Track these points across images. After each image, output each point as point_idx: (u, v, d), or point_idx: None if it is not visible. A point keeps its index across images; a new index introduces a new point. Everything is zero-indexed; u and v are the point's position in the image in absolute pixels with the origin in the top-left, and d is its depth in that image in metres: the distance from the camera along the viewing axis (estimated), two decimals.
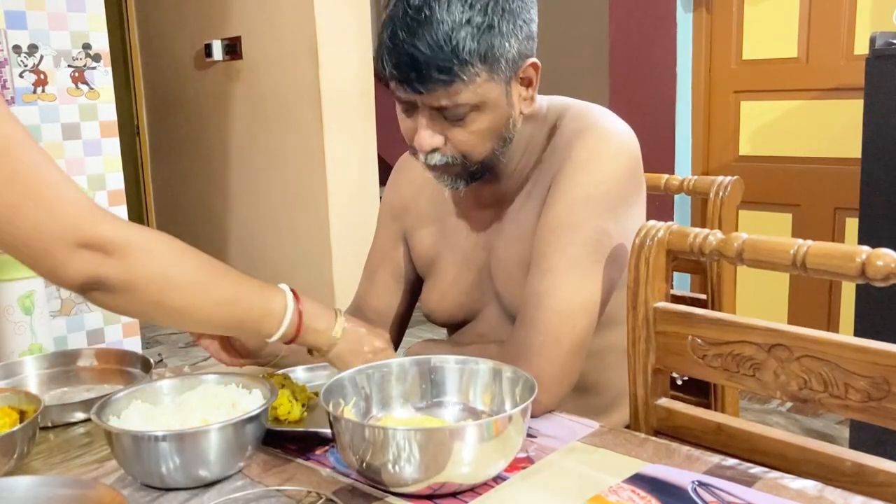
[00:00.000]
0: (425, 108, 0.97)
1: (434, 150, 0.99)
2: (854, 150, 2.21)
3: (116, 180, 3.04)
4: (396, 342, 1.26)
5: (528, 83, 1.01)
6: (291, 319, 0.91)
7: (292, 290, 0.94)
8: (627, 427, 1.04)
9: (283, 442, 0.92)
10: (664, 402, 0.98)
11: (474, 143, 0.99)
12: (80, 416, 1.01)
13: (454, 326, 1.19)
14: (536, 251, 1.01)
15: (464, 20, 0.91)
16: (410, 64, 0.91)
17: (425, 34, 0.91)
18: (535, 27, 0.99)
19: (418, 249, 1.20)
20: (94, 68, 2.93)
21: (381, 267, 1.25)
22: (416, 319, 1.29)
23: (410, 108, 0.99)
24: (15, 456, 0.84)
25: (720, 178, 1.24)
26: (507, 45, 0.94)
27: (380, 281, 1.25)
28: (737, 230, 0.97)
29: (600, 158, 1.01)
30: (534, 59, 1.00)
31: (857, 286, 2.07)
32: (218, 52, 3.85)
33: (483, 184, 1.09)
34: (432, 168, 1.02)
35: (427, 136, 0.97)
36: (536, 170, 1.07)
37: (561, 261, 0.99)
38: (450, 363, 0.93)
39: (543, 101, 1.09)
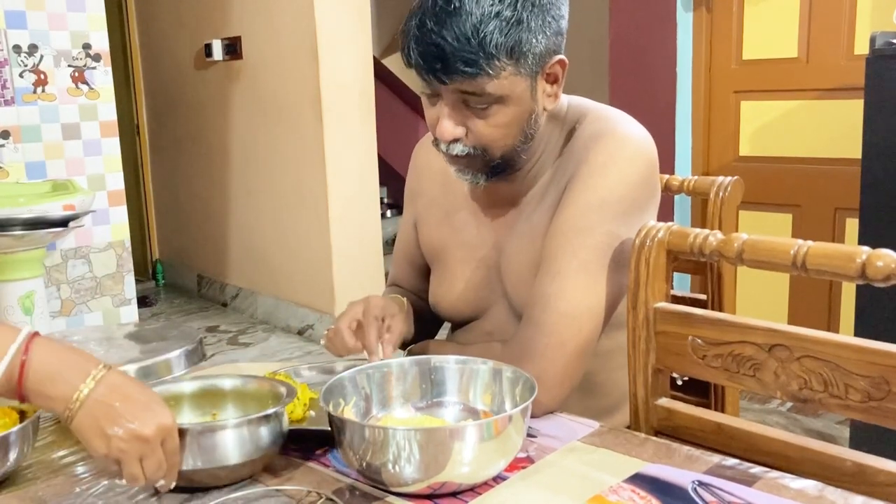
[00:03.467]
0: (449, 98, 0.97)
1: (455, 141, 0.99)
2: (854, 150, 2.21)
3: (116, 180, 3.05)
4: (439, 324, 1.28)
5: (553, 80, 1.01)
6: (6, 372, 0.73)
7: (33, 336, 0.76)
8: (628, 427, 1.04)
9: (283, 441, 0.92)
10: (664, 402, 0.98)
11: (496, 137, 0.99)
12: None
13: (460, 322, 1.20)
14: (547, 253, 1.01)
15: (493, 13, 0.91)
16: (436, 54, 0.92)
17: (453, 25, 0.91)
18: (564, 24, 0.99)
19: (425, 236, 1.21)
20: (94, 68, 2.94)
21: (402, 251, 1.28)
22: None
23: (435, 97, 0.99)
24: (14, 457, 0.84)
25: (720, 178, 1.24)
26: (534, 40, 0.94)
27: (402, 265, 1.28)
28: (737, 230, 0.97)
29: (617, 163, 1.00)
30: (561, 56, 1.00)
31: (857, 286, 2.07)
32: (218, 52, 3.85)
33: (498, 181, 1.09)
34: (454, 159, 1.02)
35: (449, 127, 0.98)
36: (553, 172, 1.07)
37: (571, 264, 0.99)
38: (450, 363, 0.93)
39: (564, 101, 1.09)
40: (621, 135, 1.03)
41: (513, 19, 0.92)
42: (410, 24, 0.95)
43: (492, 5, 0.91)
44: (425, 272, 1.25)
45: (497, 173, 1.04)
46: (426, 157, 1.23)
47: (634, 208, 1.01)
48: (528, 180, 1.09)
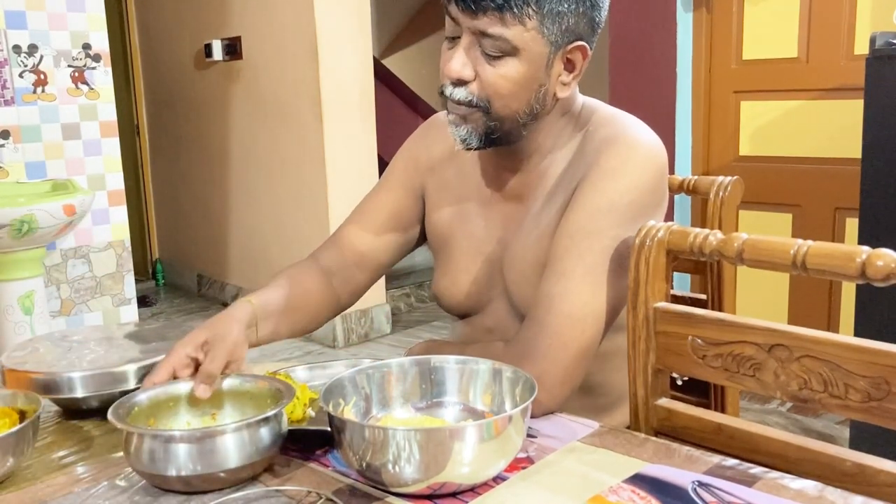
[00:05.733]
0: (467, 37, 0.98)
1: (461, 84, 1.00)
2: (854, 150, 2.21)
3: (116, 180, 3.04)
4: (367, 285, 1.24)
5: (571, 67, 1.02)
6: None
7: None
8: (628, 427, 1.04)
9: (283, 442, 0.92)
10: (664, 402, 0.98)
11: (501, 89, 0.99)
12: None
13: (460, 315, 1.20)
14: (553, 254, 1.01)
15: None
16: None
17: None
18: (598, 17, 1.01)
19: (434, 219, 1.19)
20: (94, 68, 2.94)
21: (382, 215, 1.21)
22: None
23: (454, 40, 1.00)
24: (14, 457, 0.84)
25: (720, 178, 1.24)
26: (564, 6, 0.96)
27: (374, 228, 1.21)
28: (737, 230, 0.96)
29: (628, 168, 1.01)
30: (584, 43, 1.01)
31: (857, 286, 2.07)
32: (218, 52, 3.85)
33: (504, 171, 1.09)
34: (454, 106, 1.02)
35: (458, 63, 0.99)
36: (563, 172, 1.07)
37: (577, 266, 0.99)
38: (450, 363, 0.93)
39: (580, 100, 1.10)
40: (633, 140, 1.03)
41: None
42: None
43: None
44: (409, 243, 1.23)
45: (493, 141, 1.04)
46: (441, 133, 1.19)
47: (643, 214, 1.01)
48: (537, 174, 1.09)
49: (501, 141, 1.04)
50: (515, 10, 0.94)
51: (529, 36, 0.96)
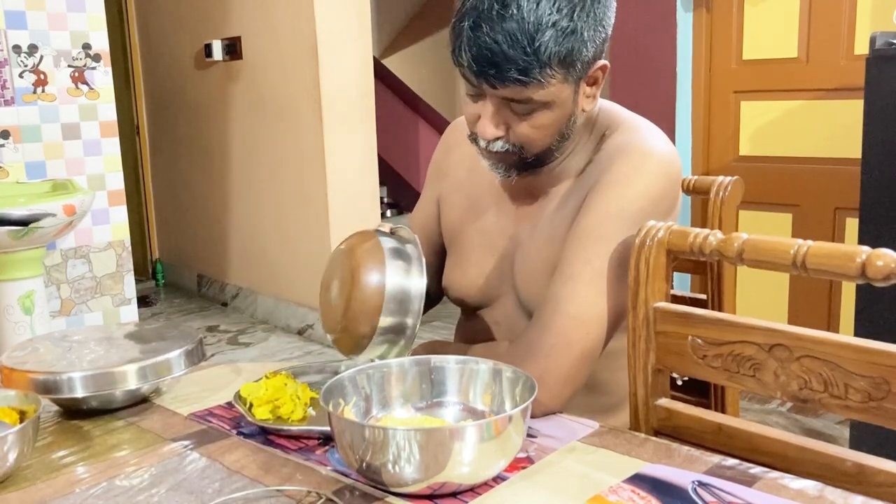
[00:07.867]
0: (494, 99, 0.97)
1: (495, 139, 1.00)
2: (854, 150, 2.21)
3: (116, 180, 3.04)
4: (438, 297, 1.27)
5: (593, 82, 1.02)
6: None
7: None
8: (629, 427, 1.04)
9: (283, 442, 0.92)
10: (664, 402, 0.98)
11: (535, 137, 1.00)
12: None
13: (468, 308, 1.20)
14: (563, 257, 1.02)
15: (550, 22, 0.91)
16: (490, 60, 0.91)
17: (509, 31, 0.90)
18: (608, 29, 1.00)
19: (447, 217, 1.22)
20: (94, 68, 2.94)
21: (419, 224, 1.27)
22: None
23: (478, 96, 0.99)
24: (14, 457, 0.84)
25: (720, 178, 1.24)
26: (584, 49, 0.95)
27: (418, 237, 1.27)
28: (737, 230, 0.96)
29: (639, 175, 1.01)
30: (605, 62, 1.01)
31: (857, 286, 2.07)
32: (218, 52, 3.85)
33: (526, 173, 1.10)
34: (490, 155, 1.03)
35: (490, 127, 0.99)
36: (578, 177, 1.08)
37: (584, 270, 1.00)
38: (450, 363, 0.93)
39: (596, 104, 1.10)
40: (647, 149, 1.03)
41: (568, 29, 0.92)
42: (463, 25, 0.94)
43: (549, 14, 0.91)
44: (439, 249, 1.26)
45: (529, 169, 1.06)
46: (458, 138, 1.22)
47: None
48: (553, 176, 1.10)
49: (539, 166, 1.06)
50: (541, 78, 0.93)
51: (556, 89, 0.96)
